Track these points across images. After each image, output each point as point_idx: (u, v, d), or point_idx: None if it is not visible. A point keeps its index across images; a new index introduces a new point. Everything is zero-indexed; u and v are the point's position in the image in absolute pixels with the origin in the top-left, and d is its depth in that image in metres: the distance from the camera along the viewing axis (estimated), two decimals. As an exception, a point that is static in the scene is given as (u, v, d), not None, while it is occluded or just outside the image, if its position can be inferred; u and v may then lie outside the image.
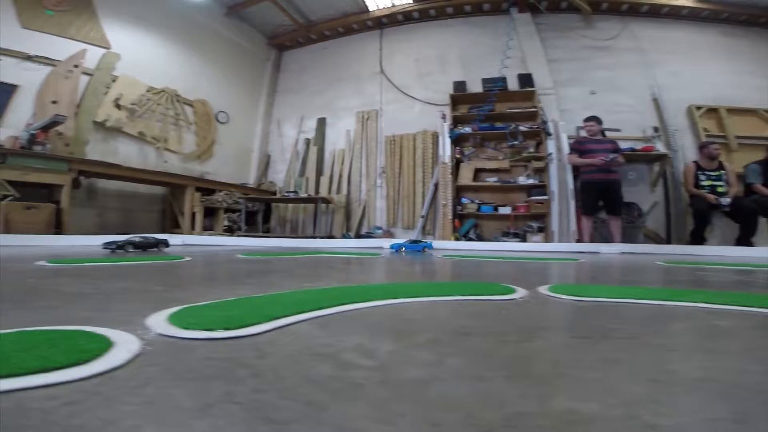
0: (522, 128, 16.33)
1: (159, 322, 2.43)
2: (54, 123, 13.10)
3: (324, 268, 7.70)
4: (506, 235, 15.45)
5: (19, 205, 11.02)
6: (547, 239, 14.78)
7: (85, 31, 15.97)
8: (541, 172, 15.83)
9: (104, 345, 1.86)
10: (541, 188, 15.55)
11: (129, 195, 16.37)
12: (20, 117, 13.71)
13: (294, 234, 18.60)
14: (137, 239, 8.56)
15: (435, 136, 18.53)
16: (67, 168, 12.31)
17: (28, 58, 14.23)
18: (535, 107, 16.41)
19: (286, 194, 18.91)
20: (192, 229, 15.66)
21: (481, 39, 19.09)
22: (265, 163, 23.23)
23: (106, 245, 8.30)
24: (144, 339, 2.04)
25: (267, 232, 18.56)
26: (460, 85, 18.41)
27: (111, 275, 5.52)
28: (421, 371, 1.67)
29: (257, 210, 18.61)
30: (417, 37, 20.47)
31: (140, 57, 17.35)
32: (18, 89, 13.89)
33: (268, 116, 23.83)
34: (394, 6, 20.26)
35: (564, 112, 16.50)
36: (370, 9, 20.61)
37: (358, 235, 18.28)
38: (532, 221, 15.59)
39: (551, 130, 16.06)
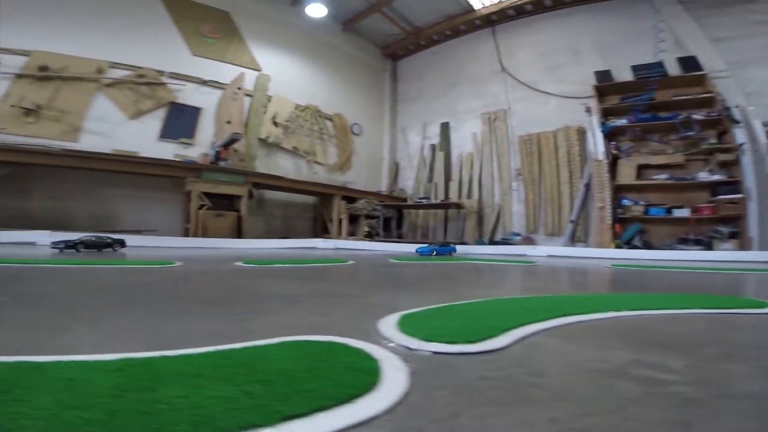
0: (696, 117, 13.55)
1: (392, 331, 2.61)
2: (232, 140, 15.66)
3: (488, 276, 7.39)
4: (684, 242, 12.84)
5: (212, 213, 13.44)
6: (744, 246, 11.81)
7: (238, 55, 18.84)
8: (730, 166, 12.83)
9: (371, 363, 1.96)
10: (732, 185, 12.56)
11: (288, 204, 18.67)
12: (205, 136, 16.72)
13: (425, 240, 18.73)
14: (92, 239, 8.98)
15: (580, 132, 16.64)
16: (244, 180, 14.57)
17: (204, 83, 17.34)
18: (710, 92, 13.54)
19: (419, 200, 19.21)
20: (339, 234, 16.96)
21: (613, 25, 16.80)
22: (395, 171, 24.17)
23: (55, 245, 8.69)
24: (397, 353, 2.14)
25: (400, 238, 19.08)
26: (604, 75, 16.30)
27: (299, 276, 6.15)
28: (754, 384, 1.50)
29: (391, 216, 19.33)
30: (536, 30, 19.21)
31: (285, 77, 19.74)
32: (201, 111, 16.95)
33: (394, 125, 25.03)
34: (501, 2, 19.28)
35: (751, 96, 13.17)
36: (476, 8, 20.02)
37: (493, 242, 17.42)
38: (720, 225, 12.66)
39: (738, 117, 12.98)
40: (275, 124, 19.40)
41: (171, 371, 1.75)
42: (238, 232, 13.92)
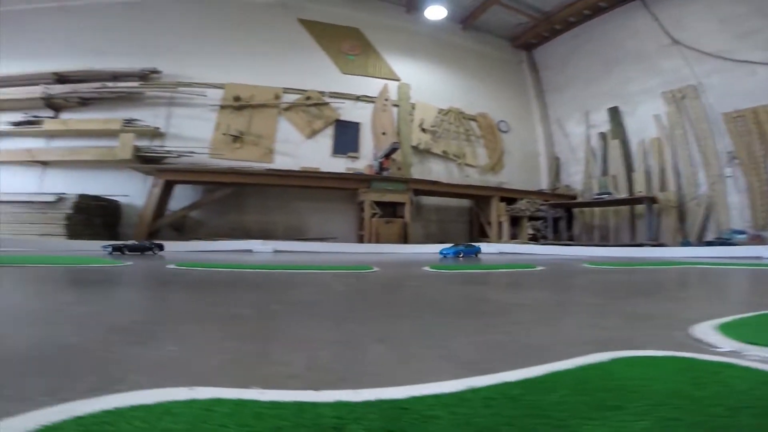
0: None
1: (735, 344, 2.19)
2: (393, 150, 16.39)
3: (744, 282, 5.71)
4: None
5: (382, 221, 14.16)
6: None
7: (378, 68, 19.72)
8: None
9: None
10: None
11: (443, 208, 18.67)
12: (367, 149, 18.00)
13: (605, 242, 16.15)
14: (135, 244, 10.19)
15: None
16: (405, 188, 15.00)
17: (357, 98, 18.66)
18: None
19: (597, 197, 16.70)
20: (499, 238, 16.02)
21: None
22: (555, 167, 21.87)
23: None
24: None
25: (571, 240, 16.91)
26: None
27: (503, 283, 5.68)
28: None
29: (560, 216, 17.32)
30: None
31: (422, 83, 19.92)
32: (360, 126, 18.30)
33: (545, 118, 22.80)
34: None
35: None
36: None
37: (705, 242, 13.90)
38: None
39: None
40: (423, 130, 19.71)
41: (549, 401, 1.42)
42: (404, 238, 14.34)
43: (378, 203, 14.91)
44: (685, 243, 14.28)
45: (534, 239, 16.73)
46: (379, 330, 2.76)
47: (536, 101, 23.06)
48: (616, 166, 18.18)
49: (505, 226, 16.60)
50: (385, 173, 16.20)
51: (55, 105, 15.10)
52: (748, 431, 1.27)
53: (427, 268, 7.63)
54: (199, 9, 17.55)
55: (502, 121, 21.81)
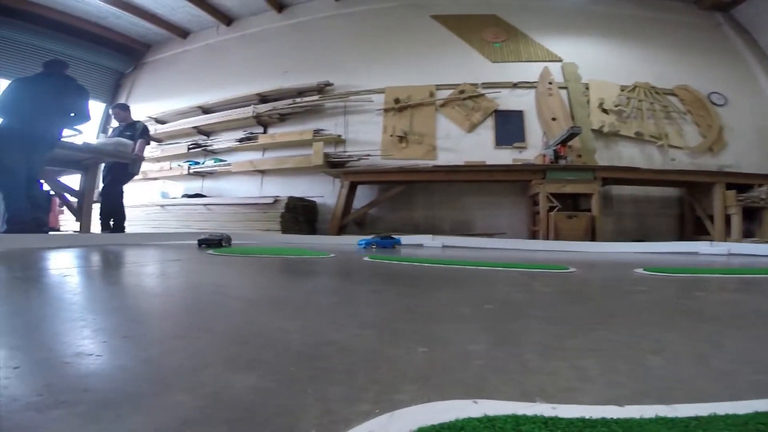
0: None
1: None
2: (572, 135, 14.37)
3: None
4: None
5: (563, 214, 12.63)
6: None
7: (532, 51, 17.46)
8: None
9: None
10: None
11: (642, 200, 15.61)
12: (535, 137, 16.35)
13: None
14: (210, 236, 9.39)
15: None
16: (593, 177, 12.98)
17: (514, 85, 16.95)
18: None
19: None
20: (726, 235, 12.42)
21: None
22: (810, 141, 15.79)
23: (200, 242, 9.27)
24: None
25: None
26: None
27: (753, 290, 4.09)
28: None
29: (834, 206, 12.37)
30: None
31: (592, 60, 17.03)
32: (523, 114, 16.72)
33: None
34: None
35: None
36: None
37: None
38: None
39: None
40: (604, 111, 16.54)
41: None
42: (592, 234, 12.47)
43: (556, 195, 13.37)
44: None
45: (785, 238, 12.34)
46: (641, 338, 2.17)
47: (760, 67, 17.12)
48: None
49: (736, 221, 12.67)
50: (562, 162, 14.42)
51: (262, 122, 18.70)
52: None
53: (639, 270, 6.30)
54: (346, 22, 19.06)
55: (713, 93, 16.76)
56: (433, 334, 2.29)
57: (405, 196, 16.07)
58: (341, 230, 14.85)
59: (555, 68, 17.43)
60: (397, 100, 17.67)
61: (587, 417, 1.17)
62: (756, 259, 8.94)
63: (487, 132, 17.11)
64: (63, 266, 5.31)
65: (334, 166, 16.31)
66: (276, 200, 14.62)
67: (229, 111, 18.91)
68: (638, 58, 17.58)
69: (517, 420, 1.17)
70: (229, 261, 6.57)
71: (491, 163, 15.33)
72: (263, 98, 18.71)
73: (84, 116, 9.74)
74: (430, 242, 12.77)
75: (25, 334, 2.06)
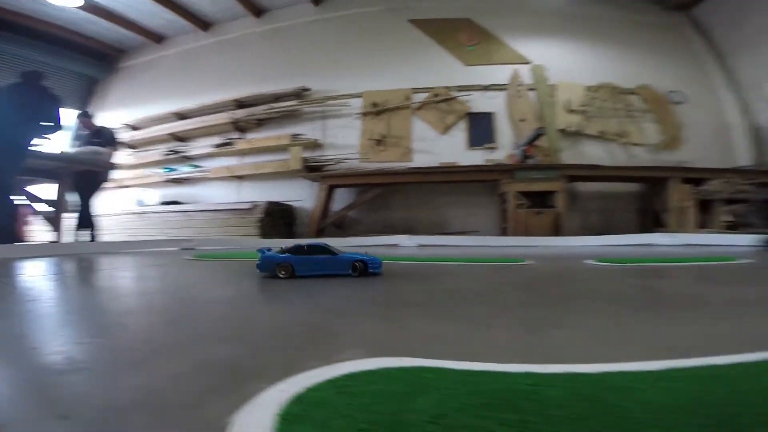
0: None
1: None
2: (538, 136, 15.14)
3: None
4: None
5: (531, 211, 13.27)
6: None
7: (503, 54, 18.10)
8: None
9: None
10: None
11: (605, 196, 16.48)
12: (505, 138, 17.07)
13: None
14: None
15: None
16: (558, 174, 13.68)
17: (485, 88, 17.59)
18: None
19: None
20: (680, 227, 13.31)
21: None
22: (759, 138, 17.04)
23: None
24: None
25: (793, 228, 12.84)
26: None
27: (684, 275, 4.69)
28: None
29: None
30: None
31: (560, 62, 17.73)
32: (494, 115, 17.34)
33: (734, 83, 17.77)
34: None
35: None
36: None
37: None
38: None
39: None
40: (570, 111, 17.43)
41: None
42: (557, 230, 13.16)
43: (525, 193, 14.02)
44: None
45: (733, 227, 13.31)
46: (553, 318, 2.62)
47: (716, 65, 18.17)
48: None
49: (691, 213, 13.60)
50: (530, 161, 15.13)
51: (240, 127, 18.80)
52: None
53: (590, 262, 6.87)
54: (324, 27, 19.32)
55: (672, 91, 17.83)
56: (387, 315, 2.73)
57: (382, 198, 16.48)
58: (320, 233, 15.15)
59: (525, 70, 18.14)
60: (374, 104, 18.09)
61: (471, 369, 1.61)
62: (705, 249, 9.74)
63: (460, 134, 17.71)
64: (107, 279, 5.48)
65: (312, 170, 16.58)
66: (254, 205, 14.82)
67: (206, 117, 18.96)
68: (604, 58, 18.47)
69: (421, 370, 1.61)
70: (209, 265, 6.84)
71: (464, 164, 15.89)
72: (241, 104, 18.83)
73: (55, 124, 9.76)
74: (406, 242, 13.20)
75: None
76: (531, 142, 15.33)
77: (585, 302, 3.30)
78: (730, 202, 13.63)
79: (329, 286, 3.89)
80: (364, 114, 18.15)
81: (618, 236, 12.47)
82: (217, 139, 18.87)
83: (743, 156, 17.31)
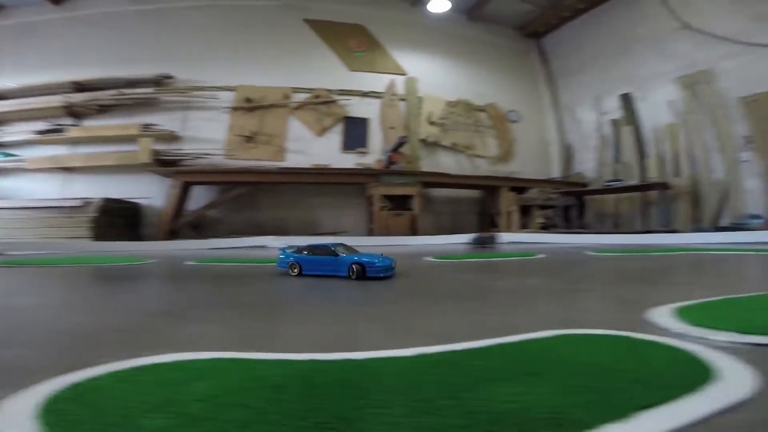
0: None
1: (679, 325, 2.47)
2: (401, 144, 16.64)
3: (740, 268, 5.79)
4: None
5: (391, 213, 14.46)
6: None
7: (385, 63, 19.66)
8: None
9: (685, 355, 1.92)
10: None
11: (454, 200, 18.84)
12: (376, 144, 18.19)
13: (618, 230, 16.03)
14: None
15: None
16: (415, 181, 15.21)
17: (364, 94, 18.73)
18: None
19: (608, 183, 16.58)
20: (509, 228, 16.11)
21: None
22: (567, 154, 21.68)
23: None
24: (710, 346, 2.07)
25: (583, 228, 16.83)
26: None
27: (504, 271, 5.89)
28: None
29: (571, 204, 17.30)
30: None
31: (429, 76, 19.87)
32: (368, 121, 18.37)
33: (556, 105, 22.45)
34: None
35: None
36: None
37: (719, 228, 13.74)
38: None
39: None
40: (431, 123, 19.72)
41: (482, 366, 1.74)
42: (414, 230, 14.59)
43: (389, 197, 15.17)
44: (699, 229, 14.08)
45: (545, 228, 16.71)
46: (367, 312, 3.06)
47: (547, 89, 22.73)
48: (629, 152, 17.92)
49: (515, 216, 16.64)
50: (394, 167, 16.42)
51: (76, 113, 15.82)
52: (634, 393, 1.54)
53: (430, 258, 7.91)
54: (208, 15, 17.87)
55: (511, 110, 21.60)
56: (205, 316, 2.83)
57: (250, 197, 15.81)
58: (172, 235, 13.67)
59: (400, 81, 19.67)
60: (249, 100, 17.26)
61: (252, 359, 1.87)
62: (522, 246, 12.00)
63: (336, 137, 18.23)
64: None
65: (165, 164, 14.85)
66: (86, 202, 12.58)
67: (32, 99, 15.36)
68: (464, 76, 21.05)
69: (206, 361, 1.83)
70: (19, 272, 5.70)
71: (337, 166, 16.35)
72: (81, 87, 15.80)
73: None
74: (273, 243, 12.95)
75: None
76: (395, 149, 16.68)
77: (399, 296, 3.86)
78: (543, 207, 17.05)
79: (160, 291, 3.71)
80: (235, 108, 17.16)
81: (464, 235, 14.41)
82: (41, 125, 15.44)
83: (555, 169, 21.74)
